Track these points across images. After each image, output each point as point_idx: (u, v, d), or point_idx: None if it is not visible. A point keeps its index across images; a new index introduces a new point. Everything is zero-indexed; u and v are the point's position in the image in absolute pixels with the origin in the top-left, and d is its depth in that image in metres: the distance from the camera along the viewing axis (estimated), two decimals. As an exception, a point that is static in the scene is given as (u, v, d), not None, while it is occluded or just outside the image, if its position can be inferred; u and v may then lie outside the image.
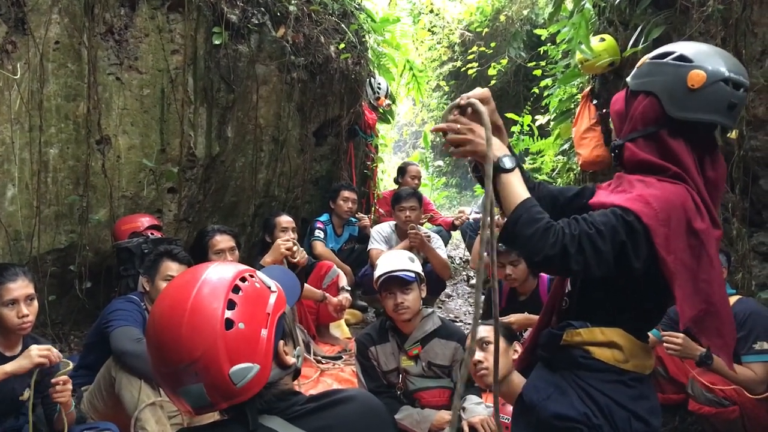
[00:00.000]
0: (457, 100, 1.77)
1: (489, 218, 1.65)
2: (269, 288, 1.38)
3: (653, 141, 1.72)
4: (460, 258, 8.48)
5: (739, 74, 1.69)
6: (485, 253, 1.76)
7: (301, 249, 4.21)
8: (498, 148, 1.72)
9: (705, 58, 1.69)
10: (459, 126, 1.74)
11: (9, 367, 2.51)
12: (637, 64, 1.83)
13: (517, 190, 1.69)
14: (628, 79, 1.83)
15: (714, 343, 1.74)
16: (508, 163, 1.70)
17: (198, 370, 1.21)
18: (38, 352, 2.52)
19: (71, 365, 2.67)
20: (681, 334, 2.97)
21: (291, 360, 1.37)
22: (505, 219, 1.70)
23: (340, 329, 5.24)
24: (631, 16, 4.66)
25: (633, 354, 1.76)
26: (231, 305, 1.26)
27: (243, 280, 1.32)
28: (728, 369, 2.98)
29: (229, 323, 1.23)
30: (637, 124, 1.75)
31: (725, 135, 2.83)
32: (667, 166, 1.69)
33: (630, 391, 1.75)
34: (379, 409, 1.44)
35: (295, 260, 4.12)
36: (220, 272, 1.32)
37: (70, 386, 2.60)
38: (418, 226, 5.23)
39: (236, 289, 1.29)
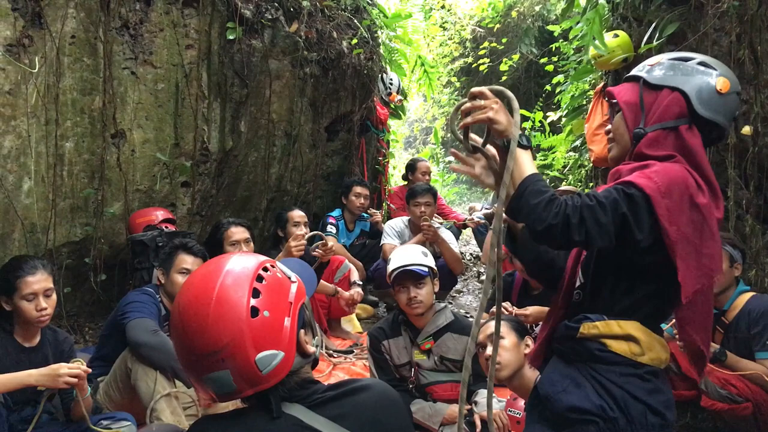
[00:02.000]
0: (478, 88, 1.80)
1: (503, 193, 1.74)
2: (289, 278, 1.41)
3: (671, 132, 1.78)
4: (471, 254, 8.47)
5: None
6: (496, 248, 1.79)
7: (333, 249, 4.31)
8: (515, 126, 1.78)
9: (724, 69, 1.82)
10: (483, 102, 1.77)
11: (33, 378, 2.44)
12: (652, 61, 1.88)
13: (527, 165, 1.76)
14: (641, 73, 1.87)
15: (694, 330, 1.79)
16: (524, 140, 1.79)
17: (225, 357, 1.24)
18: (68, 378, 2.44)
19: (83, 363, 2.60)
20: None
21: (311, 349, 1.40)
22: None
23: (351, 324, 5.27)
24: (645, 12, 4.64)
25: (649, 347, 1.77)
26: (256, 294, 1.28)
27: (265, 269, 1.35)
28: (742, 364, 3.01)
29: (254, 311, 1.26)
30: (662, 116, 1.81)
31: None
32: (673, 154, 1.76)
33: (646, 385, 1.75)
34: (395, 397, 1.47)
35: (328, 254, 4.27)
36: (243, 262, 1.35)
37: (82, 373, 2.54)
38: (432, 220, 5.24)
39: (260, 279, 1.32)
